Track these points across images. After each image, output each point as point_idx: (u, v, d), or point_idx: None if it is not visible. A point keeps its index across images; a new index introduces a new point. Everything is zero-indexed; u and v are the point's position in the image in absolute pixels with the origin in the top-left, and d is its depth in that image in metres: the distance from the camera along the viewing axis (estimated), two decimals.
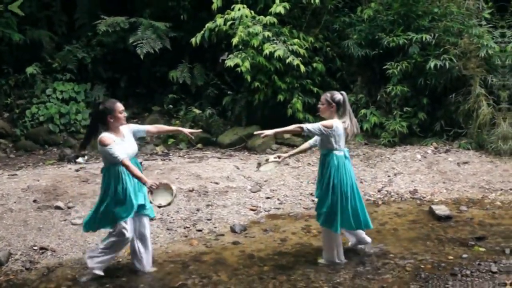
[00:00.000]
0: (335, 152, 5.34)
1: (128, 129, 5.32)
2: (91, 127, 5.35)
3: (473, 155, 9.41)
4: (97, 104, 5.32)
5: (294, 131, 5.48)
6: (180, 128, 5.76)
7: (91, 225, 5.36)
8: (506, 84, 9.98)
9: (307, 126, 5.29)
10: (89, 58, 12.04)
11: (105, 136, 5.06)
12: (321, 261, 5.59)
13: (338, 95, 5.36)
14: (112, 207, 5.12)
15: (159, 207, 5.06)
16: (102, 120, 5.14)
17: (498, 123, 9.47)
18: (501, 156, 9.22)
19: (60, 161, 10.04)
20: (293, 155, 6.09)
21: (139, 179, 4.98)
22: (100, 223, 5.31)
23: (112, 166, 5.11)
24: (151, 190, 4.92)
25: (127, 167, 4.95)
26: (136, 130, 5.42)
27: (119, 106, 5.19)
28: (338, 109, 5.34)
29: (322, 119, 5.45)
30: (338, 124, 5.31)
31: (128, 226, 5.17)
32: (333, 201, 5.35)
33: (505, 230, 6.46)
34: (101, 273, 5.28)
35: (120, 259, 5.81)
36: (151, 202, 5.11)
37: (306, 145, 5.81)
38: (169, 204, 5.01)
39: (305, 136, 8.35)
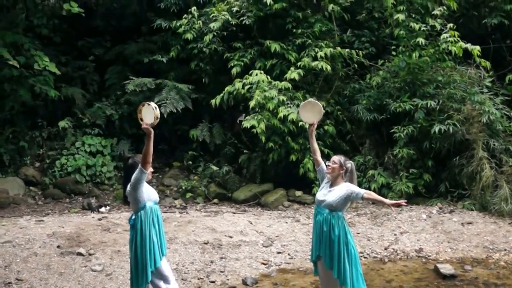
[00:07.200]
0: (343, 213, 5.24)
1: None
2: (125, 178, 5.25)
3: (476, 216, 9.24)
4: (127, 158, 5.33)
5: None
6: None
7: None
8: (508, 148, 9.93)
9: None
10: (116, 114, 12.25)
11: None
12: None
13: (349, 163, 5.33)
14: None
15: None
16: (131, 172, 5.09)
17: (501, 185, 9.36)
18: (504, 217, 9.06)
19: (84, 209, 10.06)
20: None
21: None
22: None
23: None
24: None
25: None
26: None
27: None
28: (345, 174, 5.28)
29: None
30: None
31: None
32: (350, 260, 5.09)
33: None
34: None
35: None
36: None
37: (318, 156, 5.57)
38: (157, 117, 4.87)
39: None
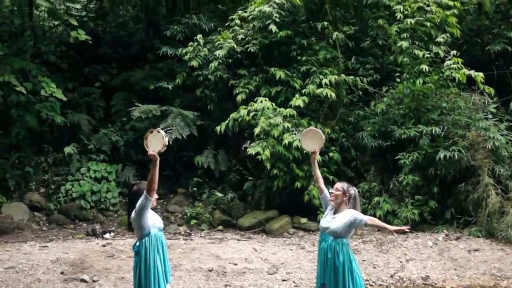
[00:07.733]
0: (347, 240, 5.24)
1: None
2: (130, 205, 5.26)
3: (483, 243, 9.18)
4: (132, 184, 5.37)
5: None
6: None
7: None
8: None
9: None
10: (122, 141, 12.33)
11: None
12: None
13: (352, 189, 5.34)
14: None
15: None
16: (136, 199, 5.09)
17: (507, 212, 9.31)
18: (511, 244, 8.99)
19: (88, 235, 10.05)
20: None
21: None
22: None
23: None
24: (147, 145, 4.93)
25: None
26: None
27: None
28: (349, 200, 5.29)
29: None
30: None
31: None
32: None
33: None
34: None
35: None
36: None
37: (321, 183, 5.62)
38: (165, 145, 4.93)
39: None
